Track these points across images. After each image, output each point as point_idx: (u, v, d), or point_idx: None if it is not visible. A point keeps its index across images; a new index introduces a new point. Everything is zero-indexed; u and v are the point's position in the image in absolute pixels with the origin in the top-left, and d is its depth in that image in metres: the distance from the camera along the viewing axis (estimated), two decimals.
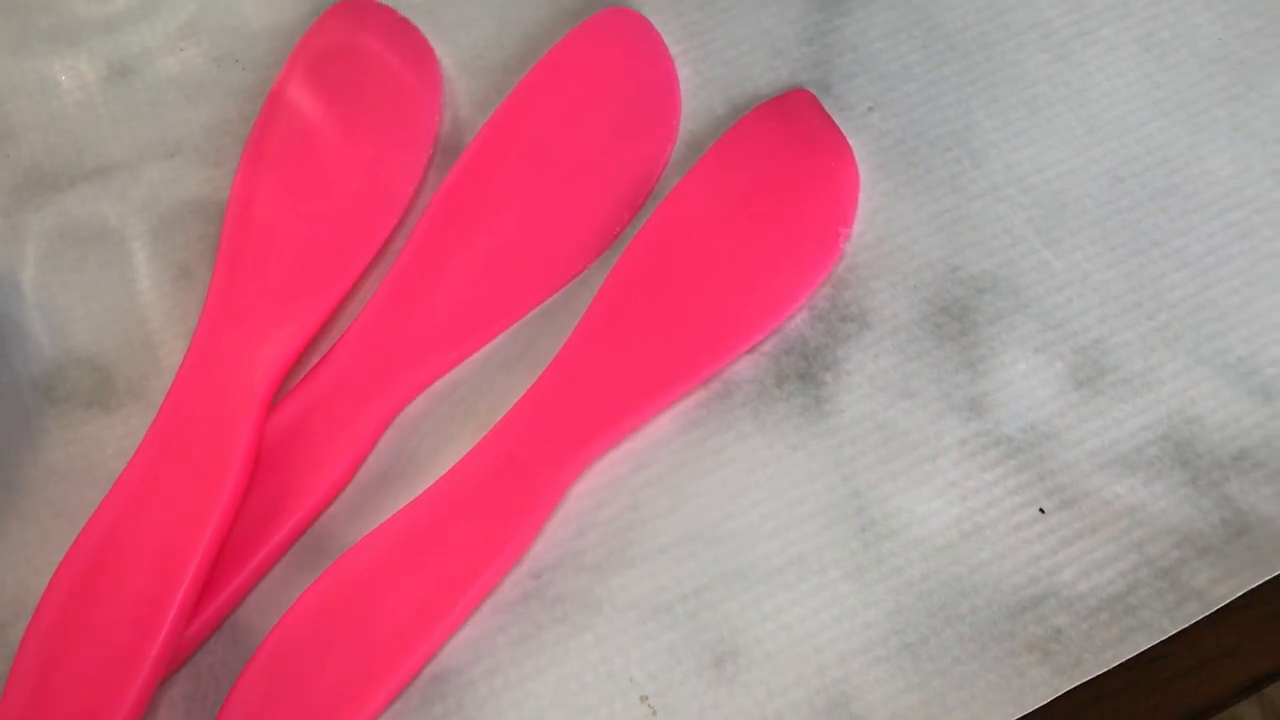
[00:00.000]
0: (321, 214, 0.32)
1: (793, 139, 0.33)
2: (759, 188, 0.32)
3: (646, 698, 0.28)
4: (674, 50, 0.35)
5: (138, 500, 0.29)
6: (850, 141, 0.34)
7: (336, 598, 0.28)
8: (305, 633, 0.28)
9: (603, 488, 0.30)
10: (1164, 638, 0.28)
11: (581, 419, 0.30)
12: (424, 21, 0.36)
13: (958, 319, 0.31)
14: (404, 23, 0.35)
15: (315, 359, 0.31)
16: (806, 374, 0.31)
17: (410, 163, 0.33)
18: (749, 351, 0.31)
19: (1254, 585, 0.28)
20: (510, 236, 0.32)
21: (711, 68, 0.35)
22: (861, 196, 0.33)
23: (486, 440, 0.30)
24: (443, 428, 0.31)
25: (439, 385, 0.31)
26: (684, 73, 0.35)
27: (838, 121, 0.34)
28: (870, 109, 0.34)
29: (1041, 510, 0.29)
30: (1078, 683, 0.27)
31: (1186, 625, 0.28)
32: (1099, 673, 0.28)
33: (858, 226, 0.33)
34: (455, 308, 0.31)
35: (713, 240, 0.32)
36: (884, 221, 0.33)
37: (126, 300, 0.32)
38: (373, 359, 0.31)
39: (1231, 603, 0.28)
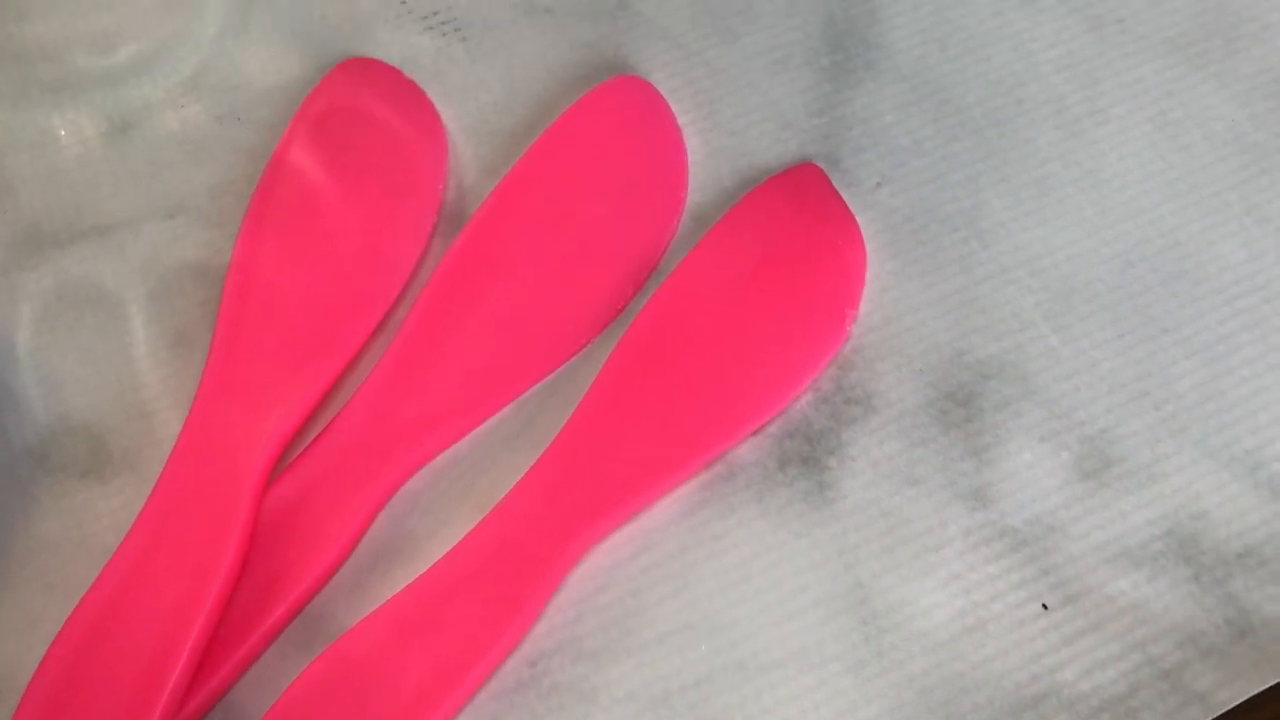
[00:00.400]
0: (323, 283, 0.32)
1: (800, 215, 0.33)
2: (765, 265, 0.32)
3: None
4: (682, 120, 0.35)
5: (133, 577, 0.29)
6: (858, 218, 0.33)
7: (333, 680, 0.28)
8: (301, 716, 0.28)
9: (602, 572, 0.29)
10: None
11: (582, 502, 0.29)
12: (430, 84, 0.35)
13: (963, 405, 0.31)
14: (410, 85, 0.35)
15: (315, 429, 0.31)
16: (810, 458, 0.31)
17: (414, 230, 0.33)
18: (754, 434, 0.31)
19: (1257, 690, 0.28)
20: (514, 309, 0.32)
21: (720, 138, 0.35)
22: (870, 275, 0.33)
23: (486, 522, 0.29)
24: (442, 505, 0.30)
25: (438, 461, 0.31)
26: (692, 143, 0.34)
27: (846, 197, 0.33)
28: (879, 184, 0.34)
29: (1045, 606, 0.29)
30: None
31: None
32: None
33: (864, 306, 0.32)
34: (457, 382, 0.31)
35: (717, 318, 0.31)
36: (890, 302, 0.32)
37: (123, 366, 0.32)
38: (373, 434, 0.30)
39: (1234, 707, 0.28)
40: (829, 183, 0.33)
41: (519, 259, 0.32)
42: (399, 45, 0.36)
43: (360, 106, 0.34)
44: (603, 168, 0.34)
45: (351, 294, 0.32)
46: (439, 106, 0.35)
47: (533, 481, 0.30)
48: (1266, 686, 0.28)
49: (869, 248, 0.33)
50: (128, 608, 0.28)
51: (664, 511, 0.30)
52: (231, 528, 0.29)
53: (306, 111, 0.34)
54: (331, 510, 0.30)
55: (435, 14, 0.36)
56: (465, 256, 0.32)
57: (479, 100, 0.35)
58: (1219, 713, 0.28)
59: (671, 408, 0.31)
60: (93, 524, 0.30)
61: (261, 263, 0.32)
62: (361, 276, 0.32)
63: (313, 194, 0.33)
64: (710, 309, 0.32)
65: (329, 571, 0.30)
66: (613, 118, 0.34)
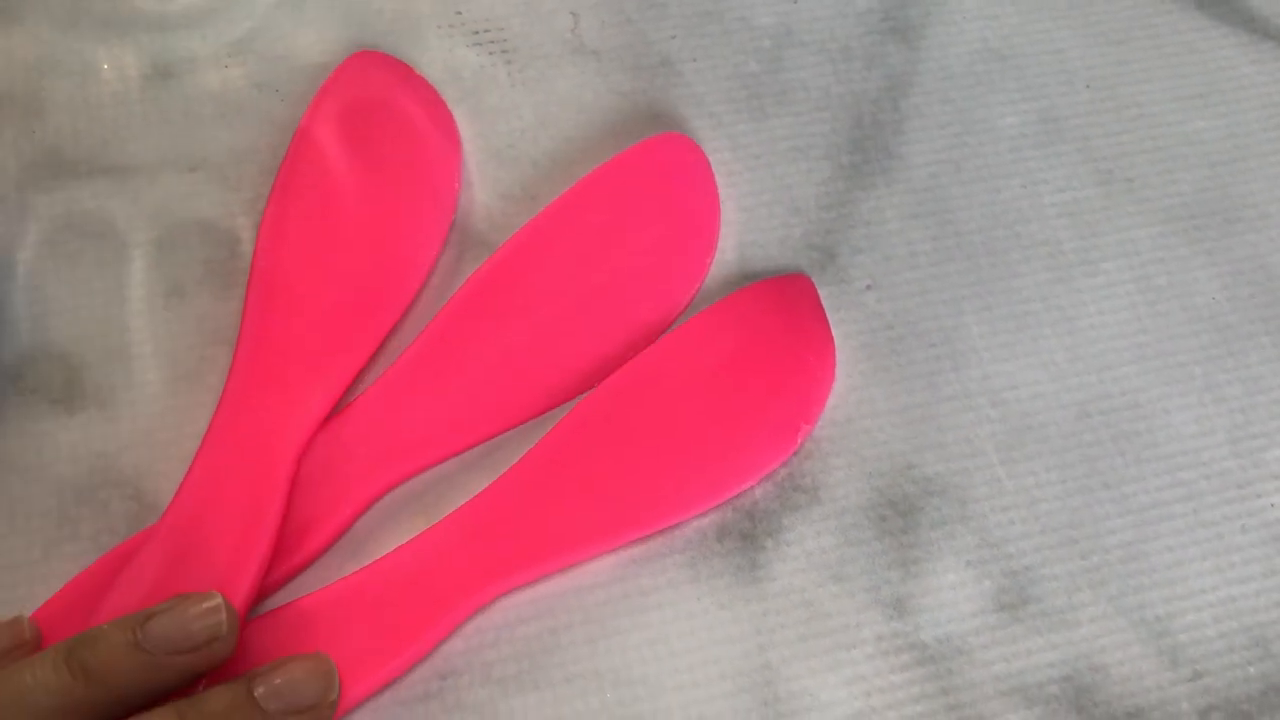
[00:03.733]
0: (348, 276, 0.33)
1: (782, 324, 0.34)
2: (736, 364, 0.33)
3: None
4: None
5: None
6: (843, 315, 0.35)
7: (247, 651, 0.29)
8: None
9: (526, 603, 0.30)
10: None
11: (498, 554, 0.30)
12: (466, 98, 0.36)
13: (903, 515, 0.32)
14: (423, 83, 0.36)
15: None
16: (749, 535, 0.32)
17: (430, 231, 0.34)
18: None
19: None
20: (522, 346, 0.33)
21: (730, 211, 0.36)
22: (841, 372, 0.34)
23: (420, 539, 0.30)
24: (387, 508, 0.31)
25: None
26: None
27: (835, 293, 0.35)
28: (868, 287, 0.35)
29: None
30: None
31: None
32: None
33: (831, 400, 0.34)
34: (454, 406, 0.32)
35: (676, 405, 0.32)
36: (856, 402, 0.34)
37: (114, 306, 0.33)
38: (365, 445, 0.31)
39: None
40: (817, 298, 0.34)
41: (536, 301, 0.33)
42: (444, 53, 0.37)
43: (377, 101, 0.35)
44: (638, 223, 0.35)
45: (374, 289, 0.33)
46: (471, 121, 0.36)
47: (456, 522, 0.30)
48: None
49: (846, 347, 0.34)
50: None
51: (599, 558, 0.31)
52: (268, 516, 0.29)
53: (324, 100, 0.35)
54: (313, 512, 0.30)
55: (486, 31, 0.37)
56: (486, 285, 0.33)
57: (509, 124, 0.36)
58: None
59: (607, 482, 0.31)
60: (51, 452, 0.31)
61: (285, 254, 0.33)
62: (383, 272, 0.33)
63: (332, 188, 0.34)
64: (672, 394, 0.32)
65: (298, 570, 0.30)
66: (658, 174, 0.35)
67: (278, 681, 0.26)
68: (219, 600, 0.27)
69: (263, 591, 0.30)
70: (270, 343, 0.32)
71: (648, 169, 0.35)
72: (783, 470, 0.33)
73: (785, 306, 0.34)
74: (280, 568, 0.30)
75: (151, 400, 0.32)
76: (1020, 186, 0.37)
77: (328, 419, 0.31)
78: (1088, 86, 0.39)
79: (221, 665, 0.27)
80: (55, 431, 0.31)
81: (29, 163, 0.34)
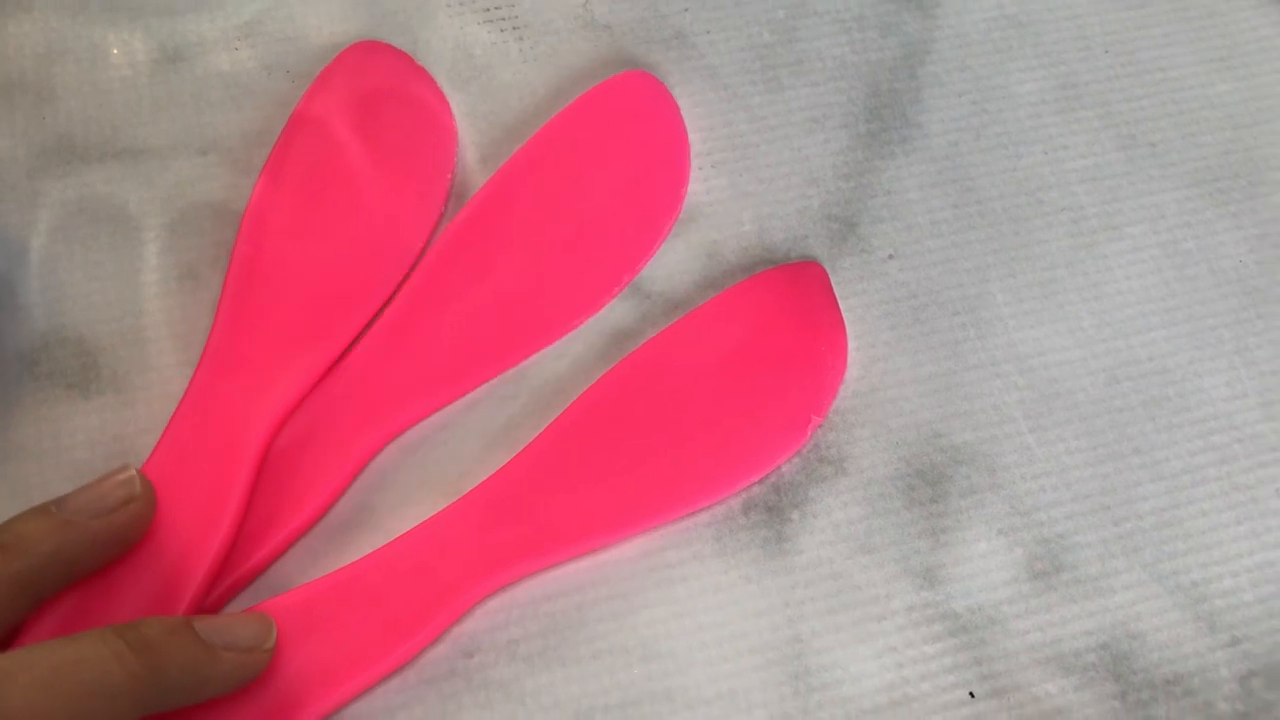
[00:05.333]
0: (332, 263, 0.32)
1: (795, 313, 0.33)
2: (747, 353, 0.32)
3: None
4: (715, 160, 0.35)
5: None
6: (864, 286, 0.34)
7: None
8: None
9: (551, 580, 0.30)
10: None
11: (504, 544, 0.29)
12: (478, 76, 0.36)
13: (931, 485, 0.32)
14: (421, 72, 0.35)
15: None
16: (775, 507, 0.31)
17: (421, 218, 0.33)
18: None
19: None
20: (507, 287, 0.33)
21: (747, 182, 0.35)
22: (864, 343, 0.33)
23: (412, 534, 0.30)
24: (408, 485, 0.31)
25: (415, 442, 0.31)
26: (719, 183, 0.35)
27: (857, 263, 0.34)
28: (890, 256, 0.35)
29: (971, 694, 0.30)
30: None
31: None
32: None
33: (854, 371, 0.33)
34: (447, 351, 0.32)
35: (686, 394, 0.32)
36: (880, 373, 0.33)
37: (128, 290, 0.32)
38: (362, 394, 0.31)
39: None
40: (830, 287, 0.34)
41: (514, 241, 0.33)
42: (456, 31, 0.37)
43: (371, 90, 0.35)
44: (606, 158, 0.34)
45: (358, 277, 0.32)
46: (483, 99, 0.36)
47: (462, 509, 0.30)
48: None
49: (869, 317, 0.34)
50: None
51: (597, 551, 0.31)
52: (225, 507, 0.29)
53: (318, 90, 0.35)
54: (313, 469, 0.30)
55: (498, 8, 0.37)
56: (463, 236, 0.33)
57: (522, 101, 0.36)
58: None
59: (618, 471, 0.31)
60: (68, 438, 0.31)
61: (270, 237, 0.32)
62: (369, 261, 0.33)
63: (321, 175, 0.33)
64: (682, 383, 0.32)
65: (301, 530, 0.30)
66: (621, 110, 0.35)
67: (217, 621, 0.26)
68: (131, 470, 0.27)
69: (271, 555, 0.29)
70: (243, 327, 0.31)
71: (611, 108, 0.35)
72: (808, 442, 0.32)
73: (799, 294, 0.33)
74: (274, 535, 0.29)
75: (167, 383, 0.31)
76: (1041, 153, 0.37)
77: (322, 381, 0.31)
78: (1106, 51, 0.38)
79: (140, 536, 0.27)
80: (71, 416, 0.31)
81: (40, 149, 0.34)
